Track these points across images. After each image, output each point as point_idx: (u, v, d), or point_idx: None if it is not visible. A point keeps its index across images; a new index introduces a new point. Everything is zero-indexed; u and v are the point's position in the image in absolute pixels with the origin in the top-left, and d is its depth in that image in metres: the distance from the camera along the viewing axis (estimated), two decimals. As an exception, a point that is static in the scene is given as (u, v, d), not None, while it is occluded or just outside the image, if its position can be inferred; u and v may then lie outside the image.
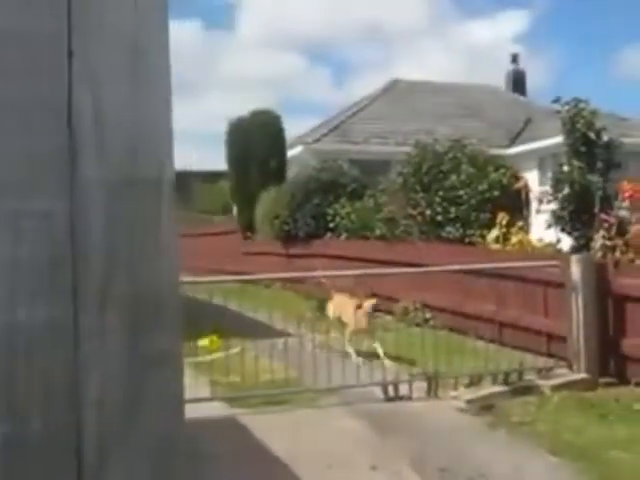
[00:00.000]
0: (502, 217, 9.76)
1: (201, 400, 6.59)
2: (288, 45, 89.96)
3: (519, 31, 76.15)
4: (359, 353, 8.41)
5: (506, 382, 7.18)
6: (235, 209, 18.52)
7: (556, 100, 9.96)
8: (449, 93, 23.79)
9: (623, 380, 7.34)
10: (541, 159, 19.78)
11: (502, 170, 10.91)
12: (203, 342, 9.15)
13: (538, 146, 19.40)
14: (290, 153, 19.30)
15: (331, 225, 13.86)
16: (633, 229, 7.59)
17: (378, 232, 12.17)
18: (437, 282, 10.21)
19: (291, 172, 17.41)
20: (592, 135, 9.49)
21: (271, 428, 6.16)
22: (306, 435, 6.05)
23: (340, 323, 9.07)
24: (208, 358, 8.22)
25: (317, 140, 20.09)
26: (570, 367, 7.44)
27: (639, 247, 7.40)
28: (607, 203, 9.08)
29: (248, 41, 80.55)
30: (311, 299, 12.24)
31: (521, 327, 8.64)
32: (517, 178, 10.16)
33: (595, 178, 9.18)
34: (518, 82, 26.82)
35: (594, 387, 7.15)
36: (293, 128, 29.75)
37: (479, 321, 9.22)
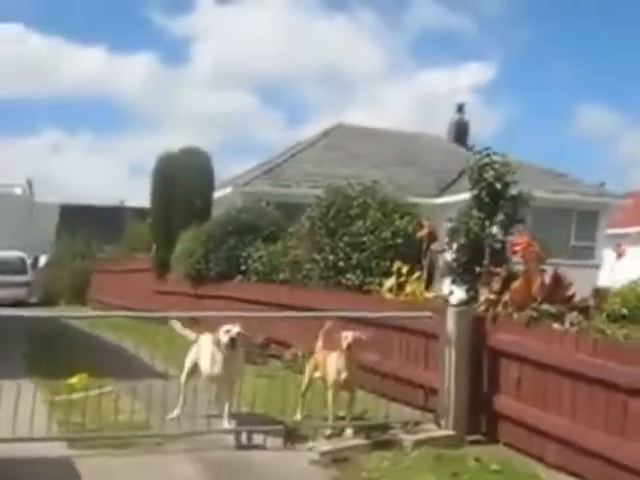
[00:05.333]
0: (397, 266, 9.54)
1: (35, 440, 6.20)
2: (243, 83, 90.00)
3: (476, 83, 77.67)
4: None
5: (368, 435, 6.87)
6: (154, 247, 18.13)
7: (470, 149, 9.84)
8: (389, 140, 23.83)
9: (493, 439, 7.08)
10: (460, 210, 19.80)
11: (408, 218, 10.70)
12: (71, 380, 8.72)
13: (463, 197, 19.36)
14: (220, 194, 19.06)
15: (243, 267, 13.57)
16: (513, 285, 7.39)
17: (282, 276, 11.93)
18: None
19: (217, 213, 17.11)
20: (498, 186, 9.32)
21: (103, 472, 5.81)
22: (136, 481, 5.69)
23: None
24: (65, 397, 7.81)
25: (248, 182, 19.88)
26: (438, 423, 7.15)
27: (519, 302, 7.18)
28: (503, 256, 8.90)
29: (202, 77, 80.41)
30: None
31: (401, 379, 8.33)
32: (420, 226, 9.92)
33: (495, 230, 9.02)
34: (461, 132, 26.92)
35: (460, 444, 6.86)
36: (240, 169, 29.47)
37: (363, 371, 8.98)
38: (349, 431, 6.95)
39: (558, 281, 7.28)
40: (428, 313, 7.49)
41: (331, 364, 7.14)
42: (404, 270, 9.70)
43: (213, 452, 6.36)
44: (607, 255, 21.51)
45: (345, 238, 10.63)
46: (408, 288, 9.26)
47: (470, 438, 7.06)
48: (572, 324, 6.63)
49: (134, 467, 5.97)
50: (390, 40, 79.90)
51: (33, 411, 6.33)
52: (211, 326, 8.79)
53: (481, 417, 7.23)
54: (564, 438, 6.27)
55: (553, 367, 6.44)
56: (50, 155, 75.03)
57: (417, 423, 7.20)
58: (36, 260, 32.07)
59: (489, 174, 9.32)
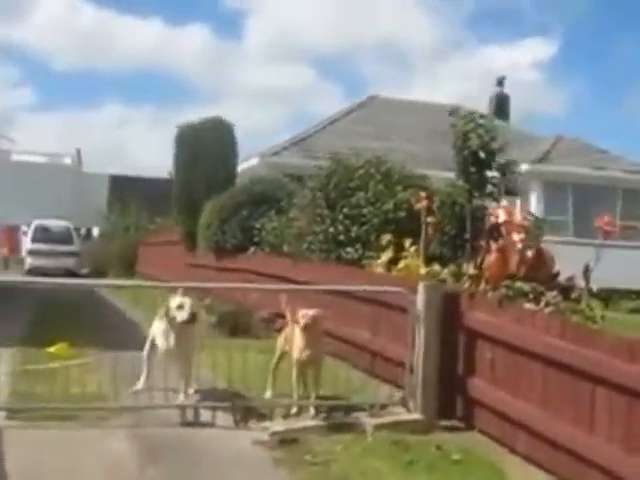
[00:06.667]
0: (388, 239, 9.05)
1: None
2: (300, 57, 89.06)
3: (537, 59, 75.43)
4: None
5: (330, 417, 6.47)
6: (179, 220, 17.91)
7: (452, 112, 9.15)
8: (426, 113, 23.04)
9: (470, 425, 6.61)
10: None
11: (412, 190, 10.11)
12: (50, 349, 8.57)
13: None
14: (246, 165, 18.75)
15: (256, 239, 13.25)
16: (488, 259, 6.85)
17: (286, 248, 11.56)
18: (326, 305, 9.55)
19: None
20: (482, 155, 8.60)
21: (29, 445, 5.56)
22: (62, 455, 5.44)
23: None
24: (37, 367, 7.66)
25: (276, 153, 19.51)
26: (405, 406, 6.70)
27: (494, 279, 6.64)
28: (495, 230, 8.28)
29: (258, 50, 79.87)
30: (212, 314, 11.65)
31: (387, 358, 7.92)
32: (418, 198, 9.34)
33: (486, 202, 8.39)
34: (501, 106, 25.97)
35: (428, 430, 6.39)
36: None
37: (355, 348, 8.63)
38: (312, 411, 6.58)
39: (540, 257, 6.71)
40: (398, 288, 7.01)
41: (295, 341, 6.76)
42: (407, 244, 9.23)
43: (156, 429, 6.04)
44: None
45: (345, 210, 10.15)
46: (402, 263, 8.77)
47: (445, 423, 6.60)
48: (547, 304, 6.07)
49: (66, 441, 5.69)
50: (447, 15, 78.40)
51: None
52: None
53: (457, 401, 6.77)
54: (533, 428, 5.79)
55: (524, 350, 5.93)
56: (111, 127, 75.92)
57: (383, 406, 6.75)
58: (89, 231, 32.24)
59: (473, 142, 8.61)
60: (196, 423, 6.24)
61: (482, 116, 9.03)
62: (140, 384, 7.06)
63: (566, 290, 6.51)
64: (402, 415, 6.60)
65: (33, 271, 25.73)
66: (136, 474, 5.17)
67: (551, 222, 18.57)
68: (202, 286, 9.56)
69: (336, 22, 76.75)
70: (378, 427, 6.27)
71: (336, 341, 9.26)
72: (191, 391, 6.83)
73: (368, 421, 6.37)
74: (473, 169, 8.39)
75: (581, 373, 5.33)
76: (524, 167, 18.98)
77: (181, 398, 6.52)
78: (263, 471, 5.39)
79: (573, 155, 19.57)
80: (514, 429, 6.04)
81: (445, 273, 8.40)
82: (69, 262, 26.62)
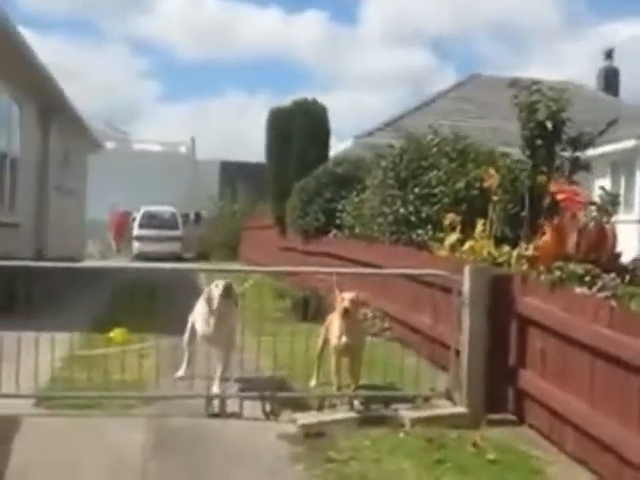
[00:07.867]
0: (451, 219, 8.49)
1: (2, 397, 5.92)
2: (415, 40, 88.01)
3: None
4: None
5: (365, 409, 6.08)
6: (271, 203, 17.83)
7: (513, 83, 8.45)
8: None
9: (522, 419, 6.07)
10: (614, 163, 17.79)
11: (485, 167, 9.46)
12: (109, 335, 8.60)
13: (611, 149, 17.26)
14: (342, 146, 18.41)
15: (338, 222, 12.92)
16: (542, 240, 6.22)
17: (358, 230, 11.17)
18: (393, 289, 9.16)
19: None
20: (549, 126, 7.87)
21: (44, 433, 5.49)
22: (73, 446, 5.31)
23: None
24: (92, 352, 7.70)
25: (370, 134, 19.05)
26: (450, 398, 6.21)
27: (546, 258, 6.02)
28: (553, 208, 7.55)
29: (374, 35, 79.35)
30: (286, 298, 11.46)
31: (446, 344, 7.44)
32: (488, 175, 8.71)
33: (555, 179, 7.68)
34: (609, 80, 24.39)
35: (473, 425, 5.89)
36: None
37: (418, 334, 8.22)
38: (348, 402, 6.21)
39: (603, 236, 6.03)
40: (439, 271, 6.51)
41: (334, 327, 6.39)
42: (479, 224, 8.67)
43: (179, 419, 5.82)
44: None
45: (416, 190, 9.64)
46: (467, 244, 8.22)
47: (494, 417, 6.09)
48: (602, 288, 5.43)
49: (82, 429, 5.57)
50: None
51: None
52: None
53: (508, 393, 6.23)
54: (580, 425, 5.21)
55: (572, 340, 5.35)
56: (231, 115, 77.39)
57: (427, 398, 6.29)
58: (198, 216, 32.85)
59: (541, 112, 7.87)
60: (223, 414, 5.98)
61: (551, 88, 8.32)
62: (181, 371, 6.93)
63: (629, 272, 5.83)
64: (445, 408, 6.13)
65: (140, 256, 26.51)
66: (139, 466, 4.97)
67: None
68: (250, 270, 9.31)
69: (450, 2, 75.19)
70: (416, 421, 5.82)
71: (401, 327, 8.92)
72: (232, 379, 6.63)
73: (406, 414, 5.93)
74: (539, 142, 7.72)
75: (630, 367, 4.73)
76: (630, 143, 17.75)
77: (215, 387, 6.30)
78: (277, 467, 5.04)
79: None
80: (562, 425, 5.48)
81: (513, 255, 7.82)
82: (174, 247, 27.31)
